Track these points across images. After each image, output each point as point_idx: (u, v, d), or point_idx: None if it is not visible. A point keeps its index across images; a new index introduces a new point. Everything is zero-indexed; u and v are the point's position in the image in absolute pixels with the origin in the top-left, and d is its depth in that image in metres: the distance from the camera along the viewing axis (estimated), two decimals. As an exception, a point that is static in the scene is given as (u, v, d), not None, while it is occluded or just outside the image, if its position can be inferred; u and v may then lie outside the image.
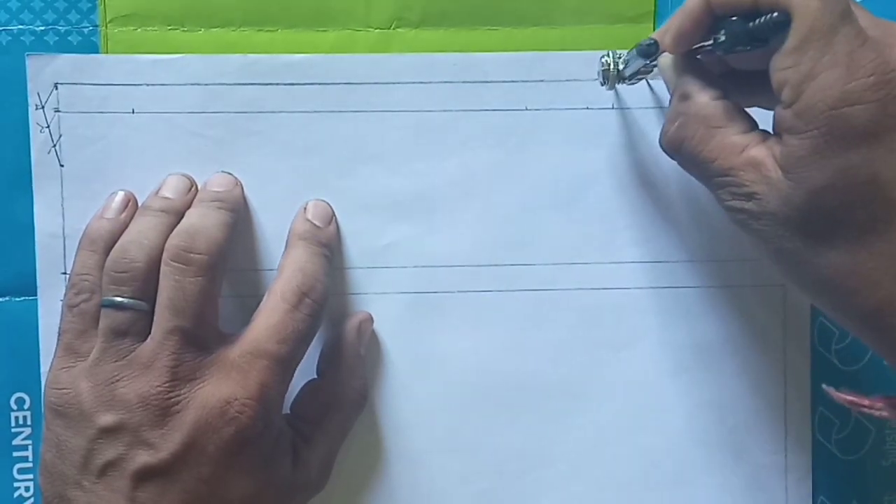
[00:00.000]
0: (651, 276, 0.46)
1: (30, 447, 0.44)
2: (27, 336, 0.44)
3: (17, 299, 0.44)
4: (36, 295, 0.44)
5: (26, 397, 0.44)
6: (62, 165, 0.43)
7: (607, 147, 0.45)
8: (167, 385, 0.37)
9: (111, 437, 0.37)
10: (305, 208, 0.44)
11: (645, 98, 0.45)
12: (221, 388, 0.38)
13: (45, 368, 0.43)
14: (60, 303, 0.42)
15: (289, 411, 0.43)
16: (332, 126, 0.44)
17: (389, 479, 0.45)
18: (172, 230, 0.40)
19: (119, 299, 0.39)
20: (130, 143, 0.43)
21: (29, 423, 0.44)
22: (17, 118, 0.43)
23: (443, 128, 0.45)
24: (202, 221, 0.40)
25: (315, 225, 0.43)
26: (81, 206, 0.43)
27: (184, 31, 0.44)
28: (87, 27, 0.43)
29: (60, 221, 0.43)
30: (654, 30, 0.46)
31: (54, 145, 0.43)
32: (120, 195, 0.42)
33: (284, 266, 0.42)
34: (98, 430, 0.37)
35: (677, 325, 0.46)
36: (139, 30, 0.44)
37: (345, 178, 0.44)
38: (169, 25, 0.44)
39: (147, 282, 0.39)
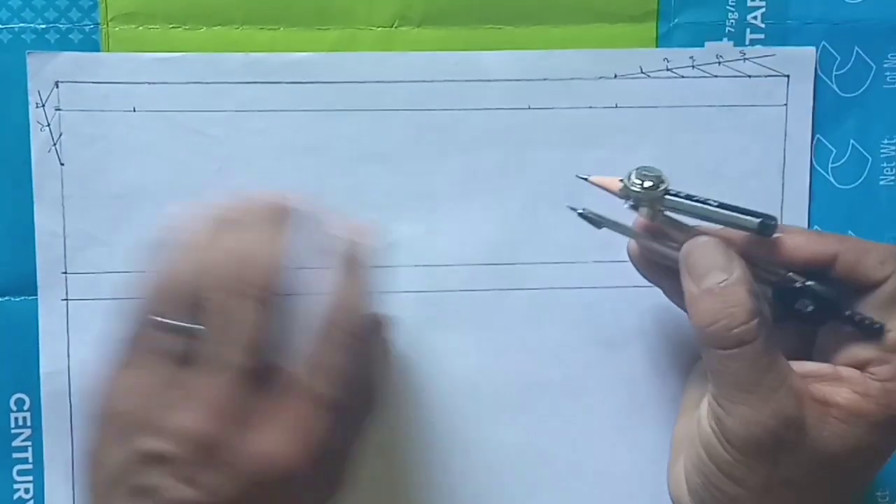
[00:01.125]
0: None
1: (30, 448, 0.44)
2: (27, 336, 0.43)
3: (17, 299, 0.43)
4: (36, 295, 0.43)
5: (26, 398, 0.44)
6: (63, 164, 0.43)
7: (609, 146, 0.45)
8: (223, 425, 0.34)
9: (152, 464, 0.34)
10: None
11: (648, 97, 0.45)
12: (279, 438, 0.35)
13: (45, 369, 0.43)
14: (62, 302, 0.42)
15: None
16: (334, 125, 0.44)
17: (389, 476, 0.45)
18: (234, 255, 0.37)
19: (185, 325, 0.35)
20: (131, 141, 0.43)
21: (29, 424, 0.44)
22: (17, 116, 0.43)
23: (445, 127, 0.45)
24: (260, 247, 0.37)
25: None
26: (82, 205, 0.43)
27: (185, 29, 0.44)
28: (89, 25, 0.43)
29: (61, 220, 0.43)
30: (656, 29, 0.46)
31: (55, 144, 0.43)
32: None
33: (347, 296, 0.38)
34: (141, 453, 0.34)
35: (677, 324, 0.46)
36: (141, 28, 0.43)
37: (346, 177, 0.44)
38: (170, 24, 0.44)
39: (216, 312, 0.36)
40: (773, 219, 0.38)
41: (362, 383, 0.39)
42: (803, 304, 0.39)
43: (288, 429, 0.35)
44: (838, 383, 0.38)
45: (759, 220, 0.38)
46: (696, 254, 0.39)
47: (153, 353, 0.35)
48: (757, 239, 0.40)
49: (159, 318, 0.35)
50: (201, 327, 0.35)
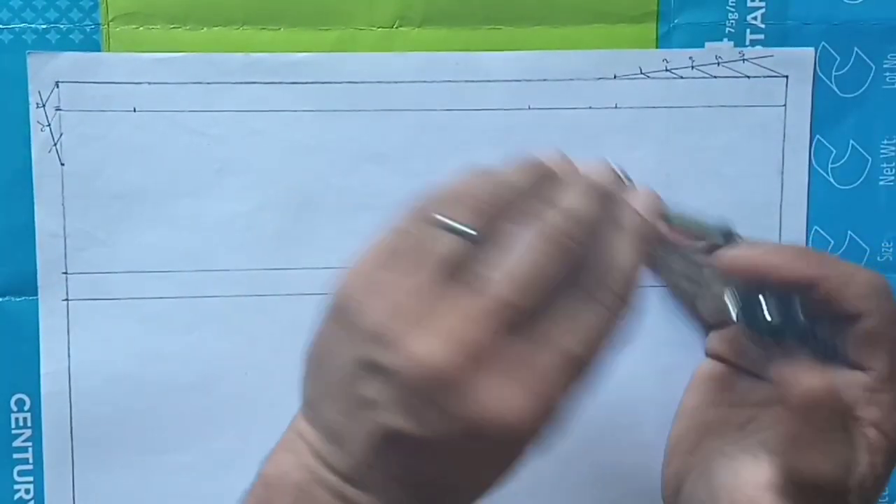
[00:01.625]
0: (651, 274, 0.46)
1: (30, 449, 0.44)
2: (27, 336, 0.43)
3: (17, 299, 0.43)
4: (36, 295, 0.43)
5: (26, 398, 0.44)
6: (63, 164, 0.43)
7: (609, 146, 0.45)
8: (464, 364, 0.30)
9: (377, 377, 0.31)
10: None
11: (647, 98, 0.45)
12: (515, 393, 0.31)
13: (45, 369, 0.43)
14: (62, 302, 0.42)
15: None
16: (334, 125, 0.44)
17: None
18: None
19: (468, 229, 0.32)
20: (132, 141, 0.43)
21: (29, 424, 0.44)
22: (18, 116, 0.43)
23: (445, 127, 0.45)
24: (589, 214, 0.34)
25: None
26: (82, 205, 0.43)
27: (186, 29, 0.44)
28: (90, 25, 0.43)
29: (61, 220, 0.43)
30: (656, 30, 0.46)
31: (55, 144, 0.43)
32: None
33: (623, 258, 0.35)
34: (369, 363, 0.31)
35: (676, 323, 0.46)
36: (141, 28, 0.43)
37: (346, 177, 0.44)
38: (171, 24, 0.44)
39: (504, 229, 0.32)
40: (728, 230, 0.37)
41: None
42: (763, 312, 0.36)
43: (528, 385, 0.31)
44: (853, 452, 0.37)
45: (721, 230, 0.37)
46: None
47: (420, 254, 0.32)
48: (730, 255, 0.38)
49: (441, 216, 0.32)
50: (480, 236, 0.32)
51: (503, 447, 0.32)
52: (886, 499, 0.47)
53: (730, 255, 0.38)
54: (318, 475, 0.32)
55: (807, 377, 0.35)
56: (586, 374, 0.33)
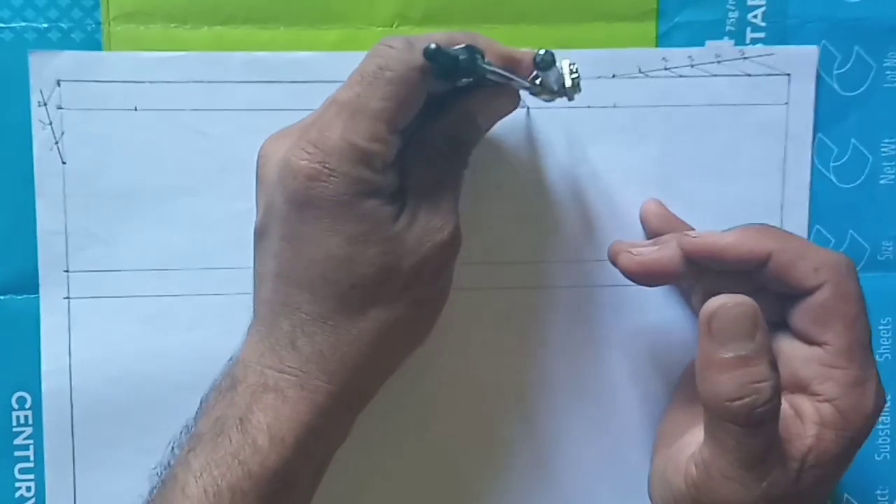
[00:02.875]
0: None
1: (31, 447, 0.44)
2: (28, 334, 0.44)
3: (19, 297, 0.44)
4: (37, 293, 0.44)
5: (27, 396, 0.44)
6: (64, 162, 0.43)
7: (608, 146, 0.45)
8: (266, 147, 0.39)
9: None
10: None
11: (646, 97, 0.45)
12: (285, 138, 0.38)
13: (46, 367, 0.43)
14: (63, 300, 0.42)
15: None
16: (335, 124, 0.44)
17: (388, 475, 0.45)
18: None
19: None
20: (133, 140, 0.43)
21: (30, 422, 0.44)
22: (19, 115, 0.43)
23: (445, 126, 0.45)
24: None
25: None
26: (83, 204, 0.43)
27: (186, 28, 0.44)
28: (91, 24, 0.43)
29: (62, 219, 0.43)
30: (656, 29, 0.46)
31: (56, 142, 0.43)
32: None
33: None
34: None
35: (675, 322, 0.46)
36: (142, 27, 0.44)
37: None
38: (172, 23, 0.44)
39: None
40: (549, 53, 0.37)
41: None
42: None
43: (295, 128, 0.38)
44: (801, 425, 0.38)
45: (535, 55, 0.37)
46: (722, 316, 0.36)
47: None
48: (688, 238, 0.40)
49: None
50: None
51: (304, 190, 0.36)
52: (888, 496, 0.47)
53: (687, 240, 0.40)
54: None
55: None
56: (366, 117, 0.36)
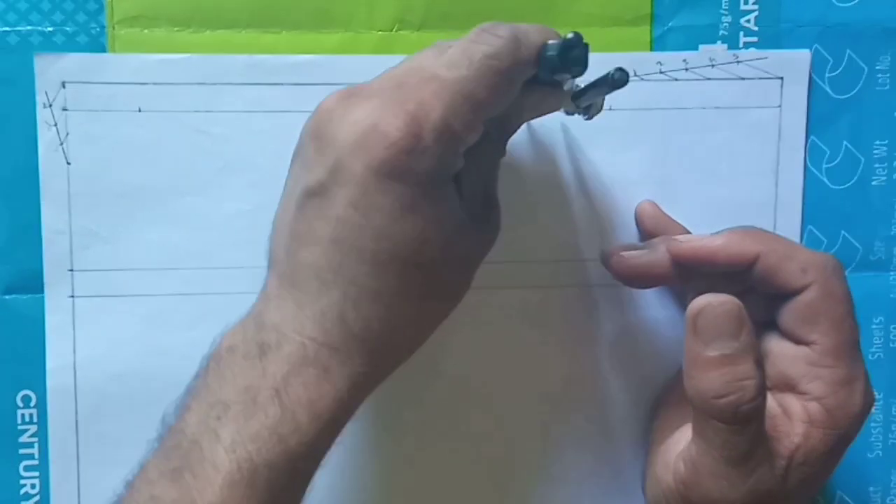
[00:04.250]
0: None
1: (35, 445, 0.44)
2: (33, 333, 0.44)
3: (23, 296, 0.44)
4: (42, 292, 0.44)
5: (32, 395, 0.44)
6: (69, 163, 0.44)
7: (604, 148, 0.46)
8: (332, 104, 0.35)
9: (294, 159, 0.37)
10: None
11: (641, 100, 0.46)
12: (378, 106, 0.34)
13: (51, 365, 0.44)
14: (68, 299, 0.43)
15: None
16: (335, 126, 0.44)
17: (387, 475, 0.46)
18: None
19: None
20: (137, 141, 0.44)
21: (35, 420, 0.44)
22: (25, 117, 0.43)
23: (444, 128, 0.45)
24: None
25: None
26: (88, 204, 0.44)
27: (190, 32, 0.44)
28: (95, 28, 0.44)
29: (67, 218, 0.44)
30: (650, 33, 0.46)
31: (61, 143, 0.44)
32: None
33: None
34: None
35: (670, 321, 0.46)
36: (146, 31, 0.44)
37: (347, 177, 0.45)
38: (175, 27, 0.44)
39: None
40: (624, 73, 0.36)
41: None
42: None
43: (389, 95, 0.35)
44: (790, 423, 0.38)
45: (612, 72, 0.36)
46: (707, 315, 0.37)
47: None
48: (677, 243, 0.41)
49: None
50: None
51: (390, 160, 0.33)
52: (880, 495, 0.48)
53: (676, 245, 0.40)
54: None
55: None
56: (469, 100, 0.35)
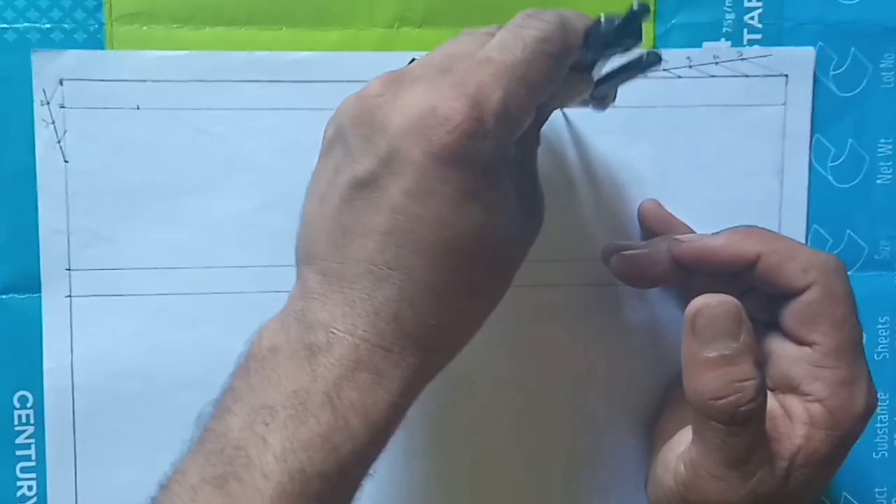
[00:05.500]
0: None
1: (32, 446, 0.44)
2: (31, 333, 0.44)
3: (21, 296, 0.44)
4: (40, 292, 0.44)
5: (29, 395, 0.44)
6: (67, 161, 0.43)
7: (608, 145, 0.46)
8: (378, 90, 0.34)
9: (330, 149, 0.36)
10: None
11: (645, 97, 0.45)
12: (432, 89, 0.33)
13: (48, 366, 0.44)
14: (65, 299, 0.42)
15: None
16: (336, 124, 0.44)
17: (387, 474, 0.45)
18: None
19: None
20: (135, 138, 0.44)
21: (32, 421, 0.44)
22: (22, 114, 0.43)
23: (445, 126, 0.45)
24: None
25: None
26: (86, 202, 0.43)
27: (189, 29, 0.44)
28: (93, 25, 0.44)
29: (65, 217, 0.43)
30: (654, 31, 0.46)
31: (59, 141, 0.43)
32: None
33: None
34: (325, 140, 0.37)
35: (673, 320, 0.46)
36: (144, 28, 0.44)
37: (348, 176, 0.44)
38: (174, 23, 0.44)
39: None
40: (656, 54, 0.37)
41: None
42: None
43: (445, 78, 0.33)
44: (791, 424, 0.38)
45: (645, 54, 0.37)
46: (705, 315, 0.36)
47: None
48: (678, 243, 0.40)
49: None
50: None
51: (452, 147, 0.32)
52: (885, 494, 0.47)
53: (677, 245, 0.40)
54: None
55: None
56: (526, 83, 0.33)
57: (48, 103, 0.43)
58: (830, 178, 0.47)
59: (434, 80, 0.33)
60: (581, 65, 0.37)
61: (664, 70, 0.45)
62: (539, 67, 0.33)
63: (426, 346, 0.33)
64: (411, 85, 0.33)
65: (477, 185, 0.32)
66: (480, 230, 0.33)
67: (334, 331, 0.32)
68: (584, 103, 0.41)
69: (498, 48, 0.34)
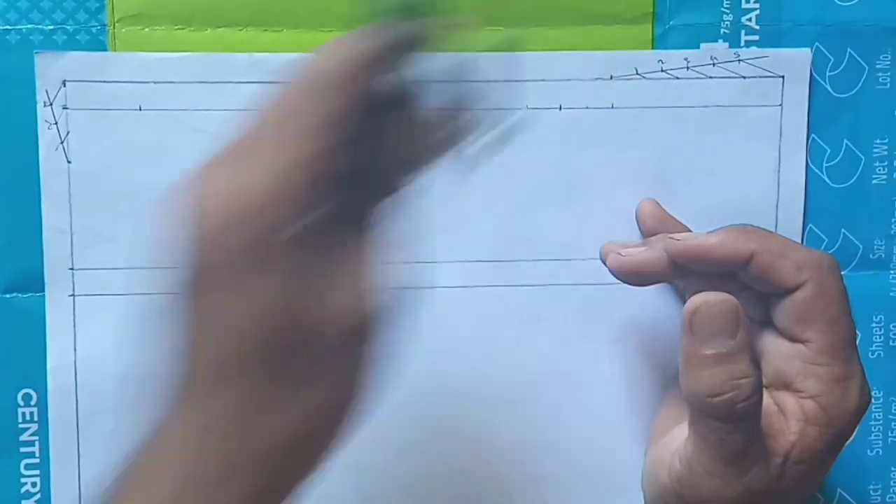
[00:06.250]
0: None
1: (36, 443, 0.44)
2: (34, 332, 0.44)
3: (24, 295, 0.44)
4: (43, 291, 0.44)
5: (33, 393, 0.44)
6: (69, 162, 0.44)
7: (606, 145, 0.46)
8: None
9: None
10: None
11: (643, 98, 0.46)
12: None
13: (51, 364, 0.44)
14: (68, 298, 0.43)
15: None
16: (336, 124, 0.44)
17: (387, 474, 0.46)
18: None
19: None
20: (137, 139, 0.44)
21: (36, 419, 0.44)
22: (25, 115, 0.43)
23: (444, 126, 0.45)
24: None
25: None
26: (88, 203, 0.44)
27: (191, 30, 0.44)
28: (96, 26, 0.44)
29: (67, 217, 0.44)
30: (652, 31, 0.46)
31: (62, 142, 0.43)
32: None
33: None
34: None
35: (671, 319, 0.46)
36: (147, 29, 0.44)
37: (348, 176, 0.45)
38: (176, 25, 0.44)
39: None
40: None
41: None
42: None
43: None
44: (785, 421, 0.38)
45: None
46: (703, 314, 0.36)
47: None
48: (673, 242, 0.40)
49: None
50: None
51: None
52: (880, 491, 0.48)
53: (673, 244, 0.40)
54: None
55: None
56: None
57: (51, 104, 0.43)
58: (826, 178, 0.47)
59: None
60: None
61: (662, 71, 0.46)
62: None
63: (272, 459, 0.30)
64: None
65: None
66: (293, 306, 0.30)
67: (166, 446, 0.31)
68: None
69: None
